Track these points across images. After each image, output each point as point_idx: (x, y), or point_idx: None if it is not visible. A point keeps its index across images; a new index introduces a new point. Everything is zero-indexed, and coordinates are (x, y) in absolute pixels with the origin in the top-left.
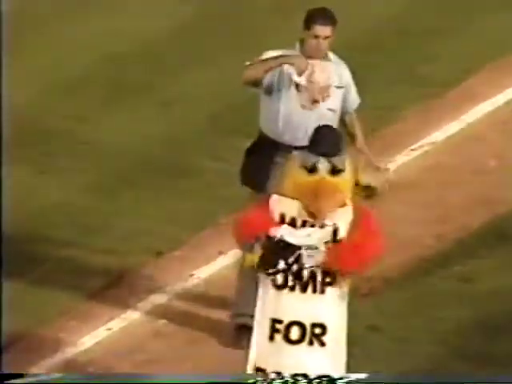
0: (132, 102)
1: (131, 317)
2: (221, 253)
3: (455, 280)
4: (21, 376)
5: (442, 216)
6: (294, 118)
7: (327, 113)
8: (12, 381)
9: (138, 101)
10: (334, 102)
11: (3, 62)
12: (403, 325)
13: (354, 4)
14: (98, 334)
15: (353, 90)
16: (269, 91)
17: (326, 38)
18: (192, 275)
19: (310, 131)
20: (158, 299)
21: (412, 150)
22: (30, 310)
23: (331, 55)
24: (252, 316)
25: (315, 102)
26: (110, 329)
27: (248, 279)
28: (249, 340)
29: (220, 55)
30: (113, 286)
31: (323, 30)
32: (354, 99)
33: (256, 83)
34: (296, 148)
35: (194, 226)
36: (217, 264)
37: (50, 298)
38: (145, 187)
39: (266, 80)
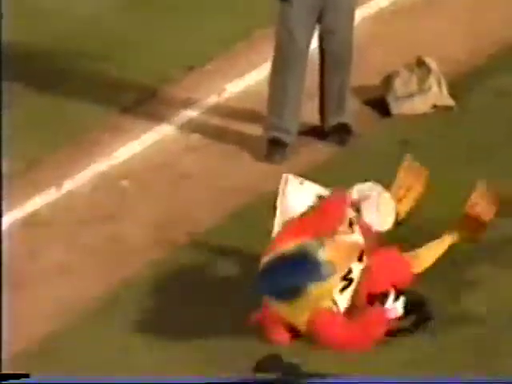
0: None
1: (164, 131)
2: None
3: (492, 95)
4: (22, 376)
5: (479, 31)
6: None
7: None
8: (13, 381)
9: None
10: None
11: None
12: None
13: None
14: (132, 147)
15: None
16: None
17: None
18: (224, 89)
19: None
20: (191, 113)
21: None
22: (62, 123)
23: None
24: (285, 130)
25: None
26: (143, 142)
27: (281, 91)
28: (281, 154)
29: None
30: (146, 101)
31: None
32: None
33: None
34: None
35: (226, 39)
36: (250, 78)
37: (82, 111)
38: (176, 3)
39: None
